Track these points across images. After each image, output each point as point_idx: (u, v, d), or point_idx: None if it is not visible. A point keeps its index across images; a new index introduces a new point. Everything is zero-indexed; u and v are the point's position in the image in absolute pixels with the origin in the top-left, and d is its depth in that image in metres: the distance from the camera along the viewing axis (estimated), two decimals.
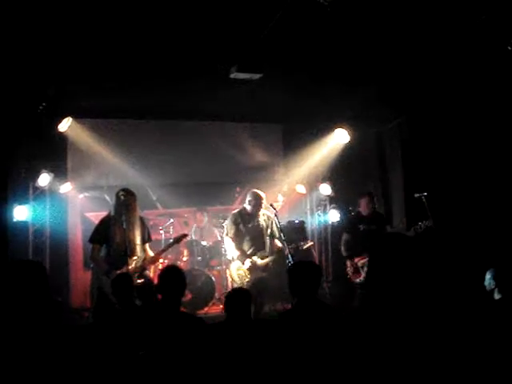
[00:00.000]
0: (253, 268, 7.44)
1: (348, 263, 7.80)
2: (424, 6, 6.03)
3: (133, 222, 6.80)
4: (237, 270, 7.52)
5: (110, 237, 6.77)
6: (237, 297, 4.67)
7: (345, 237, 8.00)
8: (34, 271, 3.79)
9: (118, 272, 6.44)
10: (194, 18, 6.29)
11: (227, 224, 7.90)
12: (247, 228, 7.69)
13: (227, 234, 7.79)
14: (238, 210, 8.01)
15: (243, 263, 7.48)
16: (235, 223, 7.74)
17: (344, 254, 7.93)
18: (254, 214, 7.69)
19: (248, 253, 7.60)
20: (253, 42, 6.82)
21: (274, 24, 6.31)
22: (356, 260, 7.67)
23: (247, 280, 7.38)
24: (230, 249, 7.76)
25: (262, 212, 7.76)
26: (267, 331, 4.52)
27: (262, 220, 7.71)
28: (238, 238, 7.69)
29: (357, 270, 7.65)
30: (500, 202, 8.19)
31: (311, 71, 7.93)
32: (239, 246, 7.63)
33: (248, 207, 7.72)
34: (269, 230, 7.69)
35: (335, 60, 7.58)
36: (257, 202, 7.64)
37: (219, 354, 4.20)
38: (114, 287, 5.33)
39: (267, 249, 7.65)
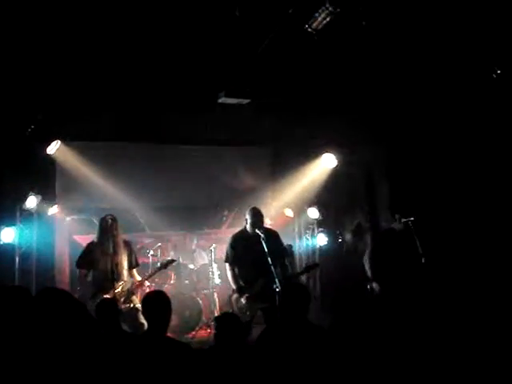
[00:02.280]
0: (252, 300, 6.68)
1: (375, 285, 7.06)
2: (409, 35, 6.15)
3: (118, 246, 6.83)
4: (236, 302, 6.82)
5: (96, 262, 6.79)
6: (226, 321, 4.64)
7: (369, 251, 7.34)
8: (20, 297, 3.79)
9: (104, 296, 6.45)
10: (183, 43, 6.38)
11: (226, 248, 7.12)
12: (248, 251, 6.78)
13: (226, 260, 7.03)
14: (237, 231, 7.22)
15: (241, 297, 6.74)
16: (234, 247, 6.97)
17: (368, 272, 7.15)
18: (253, 234, 6.76)
19: (250, 281, 6.76)
20: (241, 68, 6.90)
21: (263, 50, 6.40)
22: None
23: (248, 314, 6.67)
24: (229, 278, 6.98)
25: (263, 229, 6.78)
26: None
27: (261, 239, 6.55)
28: (238, 264, 6.90)
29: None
30: (490, 226, 8.22)
31: (299, 97, 8.01)
32: (239, 274, 6.86)
33: (247, 227, 6.90)
34: (270, 249, 6.53)
35: (323, 86, 7.67)
36: (255, 218, 6.82)
37: (208, 381, 4.18)
38: (98, 312, 5.30)
39: (273, 273, 6.35)
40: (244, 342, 4.67)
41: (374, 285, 7.16)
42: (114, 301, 5.91)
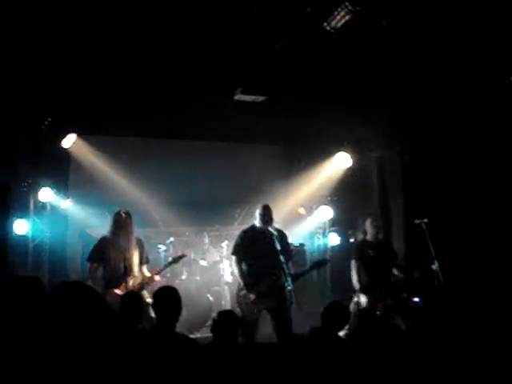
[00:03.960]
0: (261, 298, 6.56)
1: (363, 299, 7.08)
2: (430, 35, 6.10)
3: (131, 242, 6.83)
4: (244, 299, 6.64)
5: (107, 256, 6.79)
6: (224, 320, 4.66)
7: (355, 264, 7.37)
8: (32, 287, 3.79)
9: (116, 291, 6.49)
10: (200, 40, 6.37)
11: (235, 241, 7.05)
12: (257, 247, 6.75)
13: (233, 253, 6.92)
14: (248, 227, 7.16)
15: (249, 294, 6.60)
16: (243, 241, 6.89)
17: (357, 286, 7.25)
18: (264, 230, 6.78)
19: (258, 278, 6.66)
20: (258, 65, 6.89)
21: (280, 48, 6.38)
22: (373, 294, 7.08)
23: (256, 311, 6.58)
24: (235, 271, 6.91)
25: (273, 228, 6.83)
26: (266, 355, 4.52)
27: (274, 237, 6.66)
28: (246, 259, 6.79)
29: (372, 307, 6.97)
30: (502, 228, 8.16)
31: (315, 95, 7.99)
32: (247, 270, 6.74)
33: (257, 222, 6.90)
34: (282, 248, 6.62)
35: (339, 85, 7.64)
36: (265, 214, 6.82)
37: (209, 377, 4.18)
38: (123, 305, 5.26)
39: (283, 270, 6.49)
40: (237, 340, 4.72)
41: (362, 297, 7.11)
42: (139, 295, 5.91)
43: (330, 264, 10.12)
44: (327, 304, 5.16)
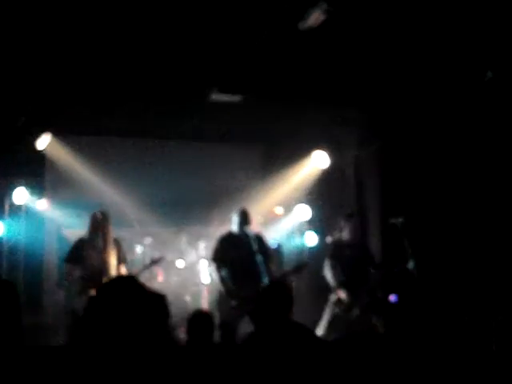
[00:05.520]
0: (242, 303, 6.45)
1: (343, 294, 7.00)
2: (403, 34, 6.15)
3: (108, 243, 6.78)
4: (226, 304, 6.59)
5: (85, 257, 6.73)
6: (199, 320, 4.61)
7: (329, 262, 7.26)
8: (5, 290, 3.75)
9: (93, 292, 6.41)
10: (174, 38, 6.34)
11: (213, 248, 7.01)
12: (236, 252, 6.72)
13: (213, 259, 6.88)
14: (224, 233, 7.09)
15: (231, 299, 6.56)
16: (221, 248, 6.86)
17: (333, 283, 7.12)
18: (241, 235, 6.79)
19: (239, 283, 6.63)
20: (234, 65, 6.88)
21: (256, 47, 6.37)
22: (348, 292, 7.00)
23: (238, 316, 6.49)
24: (216, 278, 6.84)
25: (251, 231, 6.80)
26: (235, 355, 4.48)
27: (252, 241, 6.62)
28: (227, 265, 6.75)
29: (351, 303, 6.95)
30: (480, 228, 8.23)
31: (292, 94, 7.99)
32: (228, 275, 6.70)
33: (234, 227, 6.92)
34: (261, 251, 6.57)
35: (315, 84, 7.66)
36: (242, 219, 6.83)
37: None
38: None
39: (262, 275, 6.40)
40: (213, 342, 4.66)
41: (341, 293, 7.02)
42: None
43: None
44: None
